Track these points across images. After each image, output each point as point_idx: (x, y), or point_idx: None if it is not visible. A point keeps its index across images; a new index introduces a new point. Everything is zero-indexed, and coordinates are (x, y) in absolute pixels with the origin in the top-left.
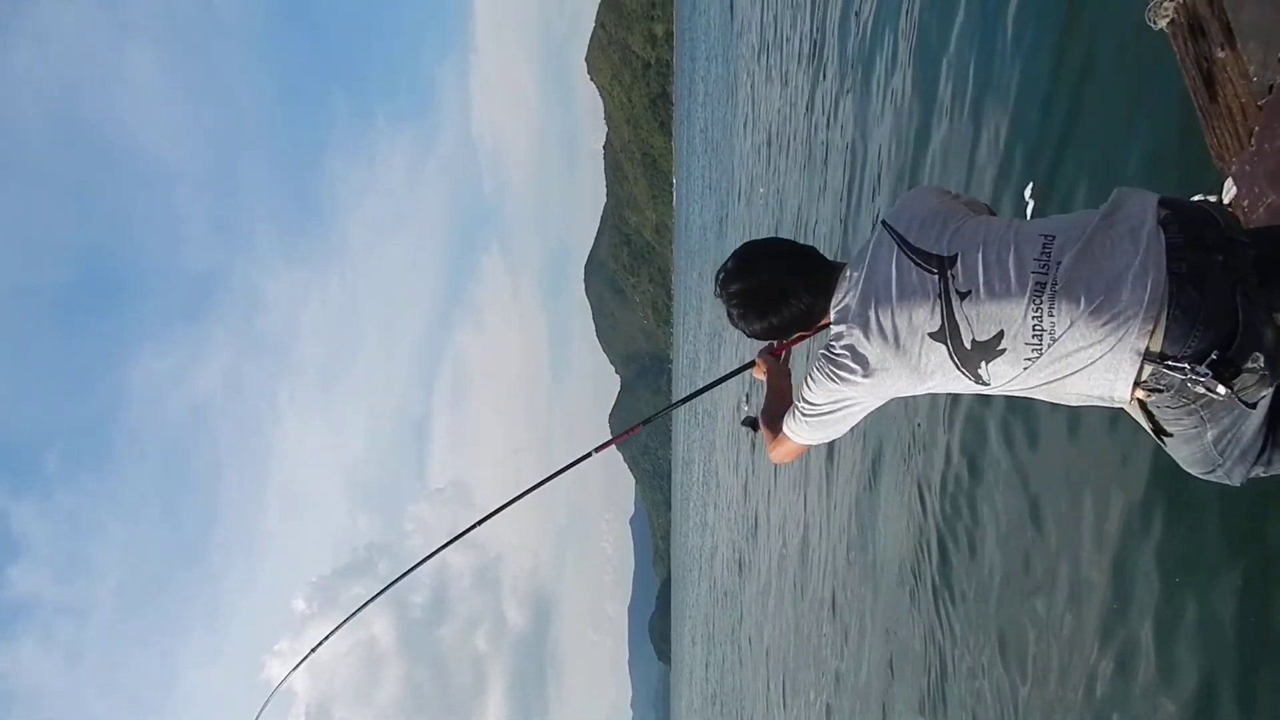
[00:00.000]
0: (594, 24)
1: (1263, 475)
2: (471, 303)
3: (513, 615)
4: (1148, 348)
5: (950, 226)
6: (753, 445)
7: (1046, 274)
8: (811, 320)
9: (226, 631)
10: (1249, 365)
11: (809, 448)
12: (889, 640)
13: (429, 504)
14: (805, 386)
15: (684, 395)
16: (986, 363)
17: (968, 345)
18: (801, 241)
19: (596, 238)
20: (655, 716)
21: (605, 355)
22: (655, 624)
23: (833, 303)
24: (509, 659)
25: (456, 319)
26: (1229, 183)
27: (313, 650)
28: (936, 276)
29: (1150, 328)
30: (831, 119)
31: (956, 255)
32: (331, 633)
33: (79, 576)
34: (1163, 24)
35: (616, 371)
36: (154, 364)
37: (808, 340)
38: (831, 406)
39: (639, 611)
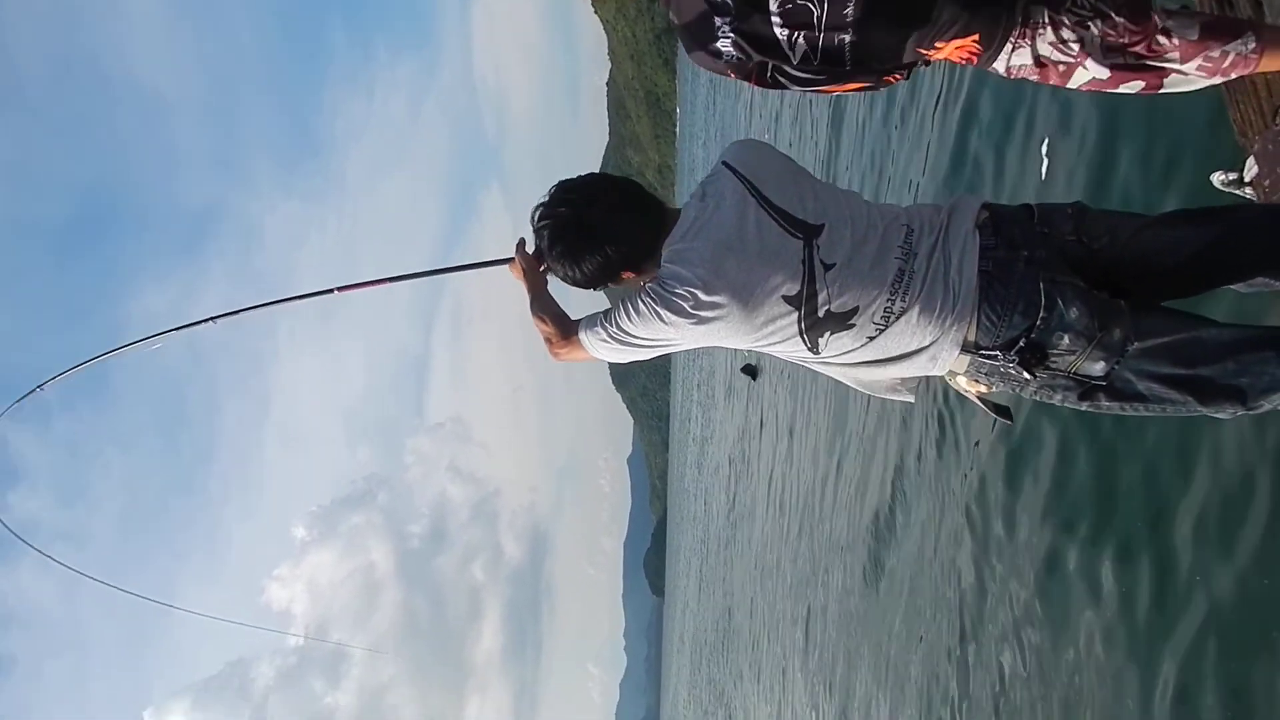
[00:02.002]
0: None
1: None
2: (471, 242)
3: (510, 548)
4: (965, 339)
5: (808, 191)
6: (748, 388)
7: (907, 263)
8: (639, 265)
9: (226, 557)
10: (1056, 347)
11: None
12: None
13: (428, 438)
14: (624, 314)
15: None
16: (832, 333)
17: (821, 314)
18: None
19: None
20: (648, 647)
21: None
22: (650, 560)
23: (668, 241)
24: (505, 590)
25: (456, 258)
26: (1250, 160)
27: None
28: (801, 243)
29: (968, 321)
30: None
31: (823, 225)
32: None
33: (78, 502)
34: None
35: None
36: (152, 297)
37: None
38: (649, 342)
39: (634, 547)
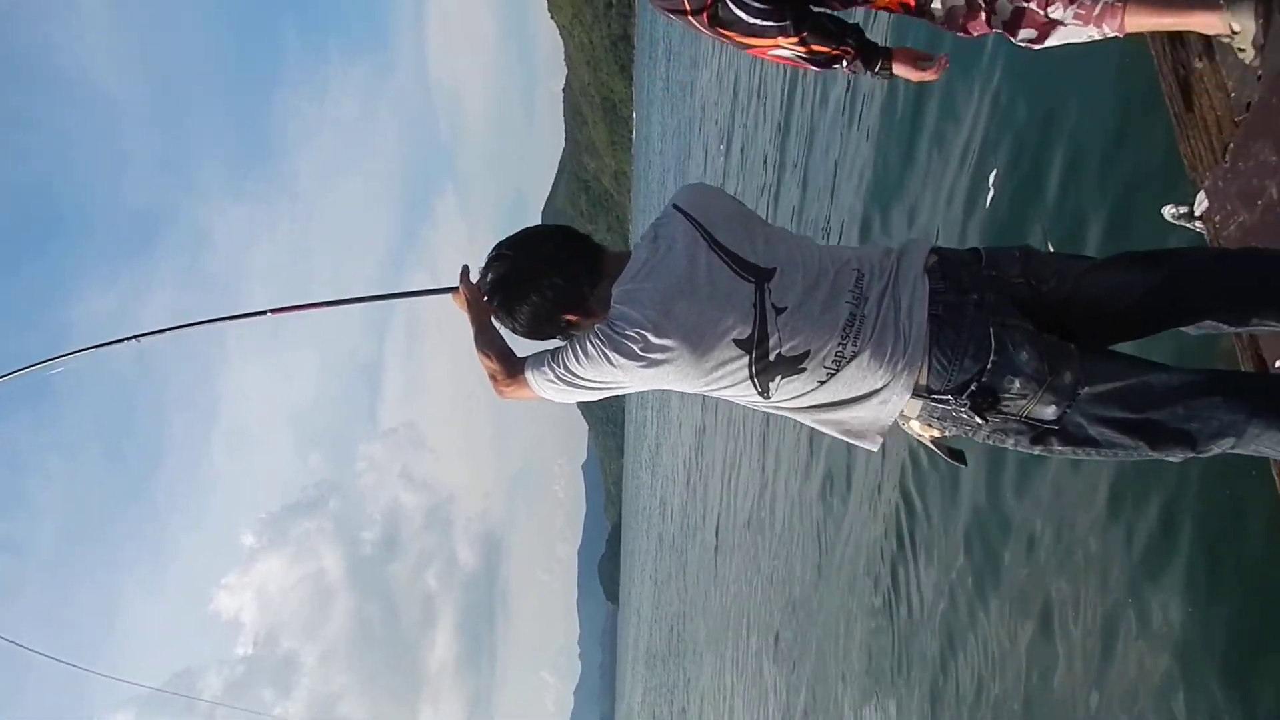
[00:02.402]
0: None
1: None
2: (426, 247)
3: (464, 555)
4: (916, 383)
5: (759, 235)
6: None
7: (858, 307)
8: (578, 306)
9: (172, 567)
10: (1007, 390)
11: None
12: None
13: (381, 444)
14: (572, 355)
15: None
16: (783, 377)
17: (772, 358)
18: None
19: (554, 184)
20: (602, 655)
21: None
22: (604, 566)
23: (618, 282)
24: (459, 596)
25: (410, 263)
26: (1201, 195)
27: None
28: (753, 286)
29: (919, 365)
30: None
31: (775, 269)
32: None
33: (18, 512)
34: None
35: None
36: (96, 302)
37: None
38: (596, 384)
39: (589, 553)
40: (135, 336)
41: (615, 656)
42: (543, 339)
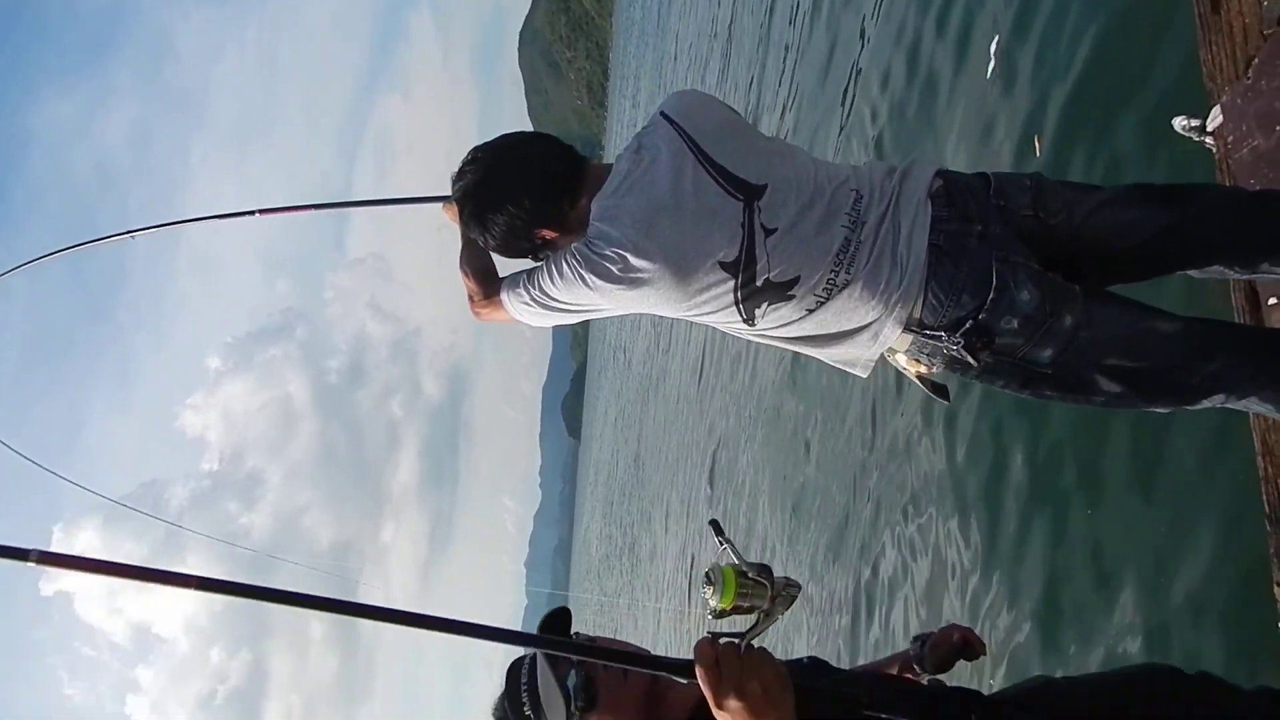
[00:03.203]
0: None
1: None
2: (399, 67)
3: (429, 386)
4: (909, 315)
5: (752, 148)
6: None
7: (853, 232)
8: (554, 221)
9: (138, 385)
10: (1004, 329)
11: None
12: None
13: (348, 273)
14: (547, 276)
15: None
16: (770, 304)
17: (759, 283)
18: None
19: (533, 2)
20: (563, 484)
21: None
22: (568, 404)
23: (597, 197)
24: (423, 425)
25: (382, 84)
26: (1216, 110)
27: None
28: (742, 205)
29: (914, 298)
30: None
31: (765, 186)
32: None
33: None
34: None
35: None
36: (55, 109)
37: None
38: (572, 306)
39: (553, 392)
40: (129, 232)
41: (575, 487)
42: (517, 256)
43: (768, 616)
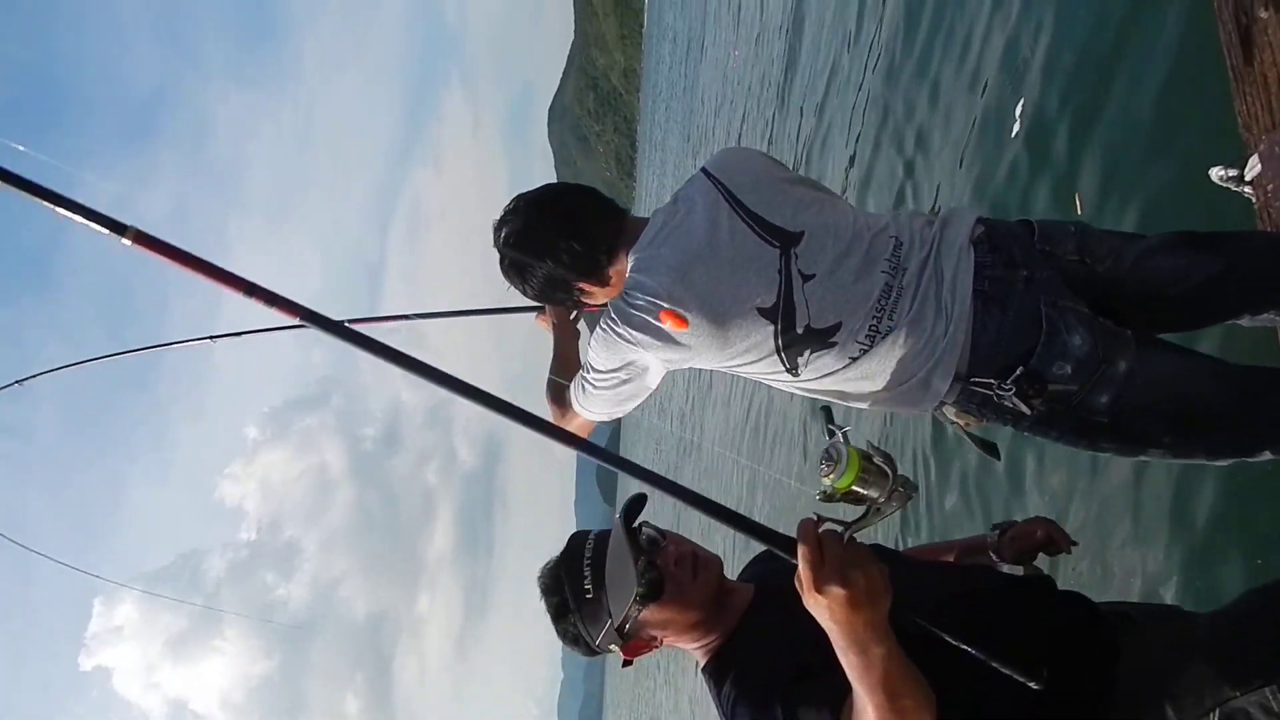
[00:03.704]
0: None
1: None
2: (430, 141)
3: (464, 453)
4: (957, 364)
5: (791, 197)
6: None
7: (894, 278)
8: (593, 274)
9: (176, 456)
10: (1056, 376)
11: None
12: None
13: (383, 340)
14: (591, 353)
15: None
16: (812, 352)
17: (799, 330)
18: (601, 192)
19: (562, 79)
20: None
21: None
22: (602, 469)
23: (634, 249)
24: (458, 492)
25: (414, 157)
26: (1254, 159)
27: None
28: (778, 251)
29: (961, 344)
30: None
31: (802, 233)
32: None
33: (21, 395)
34: None
35: None
36: (97, 188)
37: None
38: (623, 373)
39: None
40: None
41: None
42: (555, 304)
43: (878, 511)
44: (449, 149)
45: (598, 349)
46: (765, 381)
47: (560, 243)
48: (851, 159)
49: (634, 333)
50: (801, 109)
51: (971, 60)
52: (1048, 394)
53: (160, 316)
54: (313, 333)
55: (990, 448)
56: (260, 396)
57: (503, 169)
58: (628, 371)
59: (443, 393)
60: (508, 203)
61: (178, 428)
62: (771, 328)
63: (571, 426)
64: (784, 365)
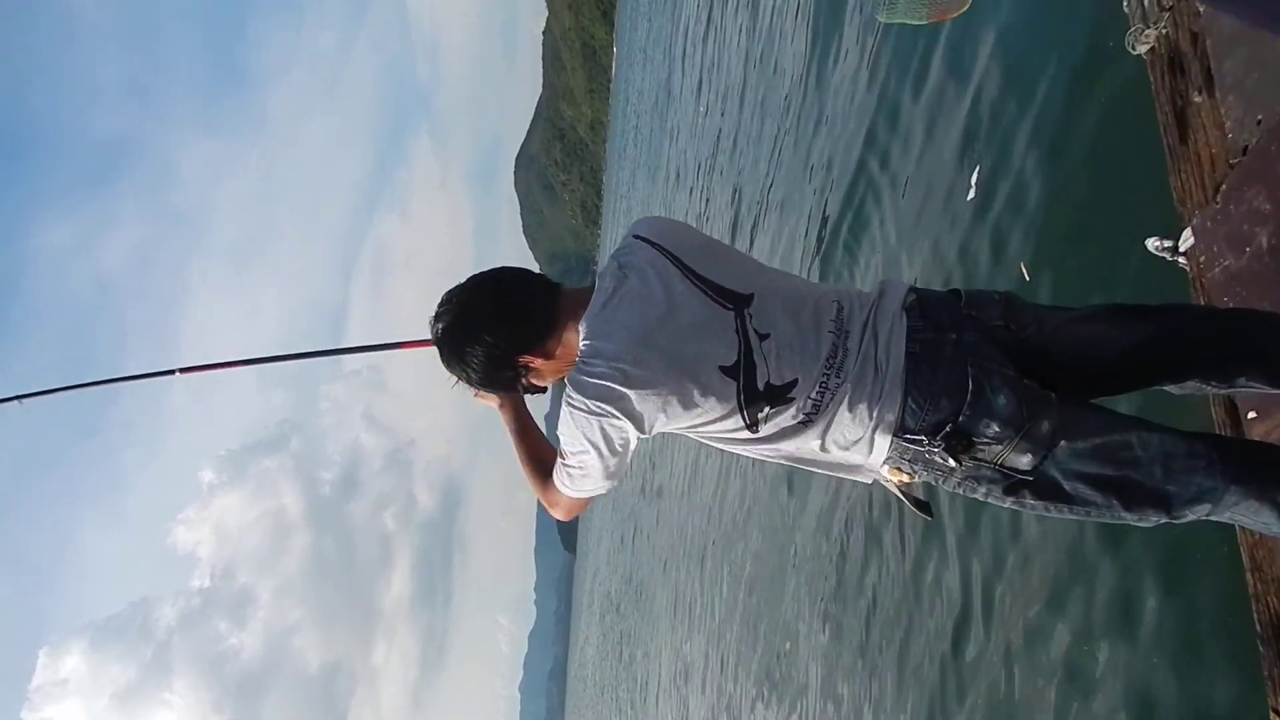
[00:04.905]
0: None
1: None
2: (397, 189)
3: (423, 498)
4: (893, 421)
5: (734, 263)
6: None
7: (838, 339)
8: (535, 346)
9: (129, 501)
10: (983, 434)
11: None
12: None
13: (343, 384)
14: (560, 435)
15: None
16: (771, 408)
17: (760, 386)
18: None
19: (529, 130)
20: (557, 602)
21: (530, 252)
22: None
23: (585, 319)
24: (416, 539)
25: (381, 204)
26: (1188, 232)
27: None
28: (733, 313)
29: (896, 404)
30: (787, 40)
31: (753, 295)
32: None
33: None
34: (1142, 50)
35: (540, 269)
36: (57, 231)
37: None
38: (603, 447)
39: None
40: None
41: (571, 604)
42: (506, 390)
43: None
44: (415, 195)
45: (567, 431)
46: (724, 445)
47: (494, 318)
48: (810, 221)
49: (599, 403)
50: (760, 168)
51: (936, 131)
52: (975, 451)
53: (119, 353)
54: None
55: (923, 506)
56: (217, 439)
57: (468, 215)
58: (606, 445)
59: (404, 437)
60: (440, 299)
61: (130, 472)
62: (734, 384)
63: (563, 508)
64: (745, 421)
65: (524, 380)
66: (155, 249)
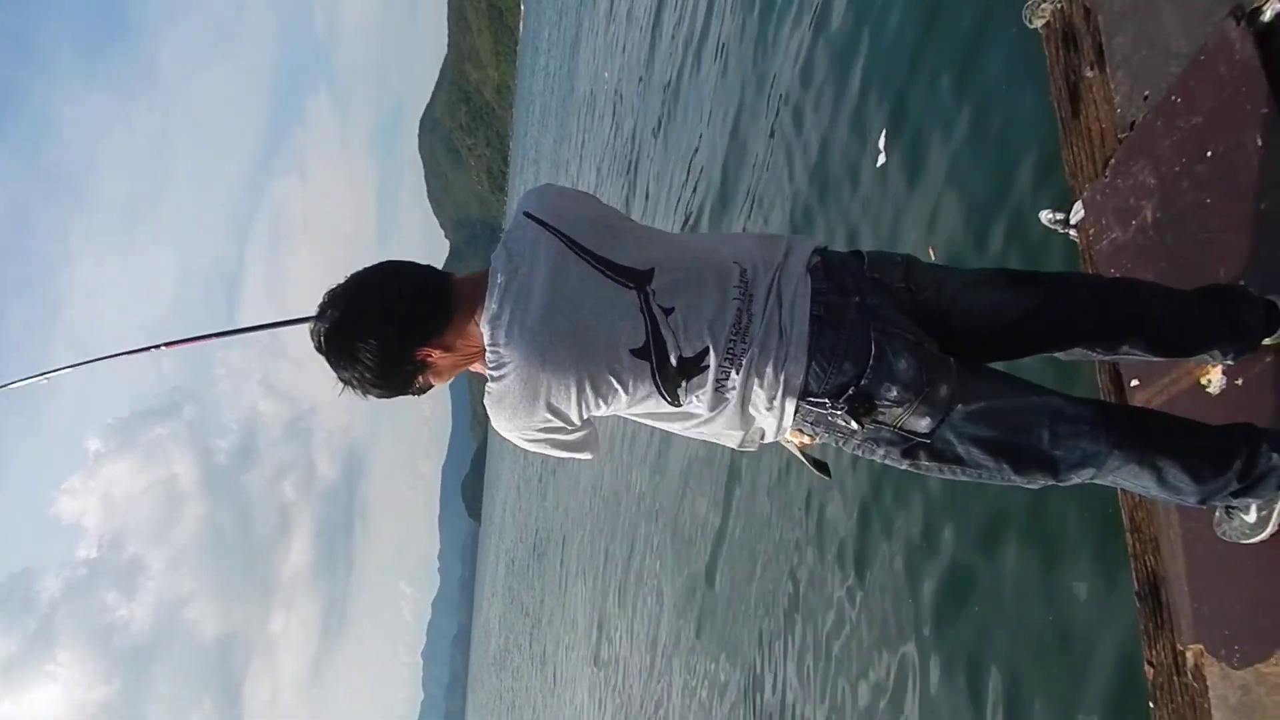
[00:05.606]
0: None
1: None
2: (295, 150)
3: (324, 467)
4: (798, 384)
5: (630, 236)
6: None
7: (744, 305)
8: (430, 336)
9: (8, 469)
10: (884, 397)
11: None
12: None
13: (240, 351)
14: (502, 434)
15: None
16: (687, 381)
17: (673, 362)
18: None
19: (434, 92)
20: (462, 569)
21: (435, 217)
22: (468, 484)
23: (483, 320)
24: (317, 508)
25: (278, 166)
26: (1078, 205)
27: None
28: (635, 292)
29: (801, 366)
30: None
31: (653, 270)
32: None
33: None
34: (1038, 24)
35: (446, 236)
36: None
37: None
38: (545, 445)
39: (452, 472)
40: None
41: (475, 571)
42: (403, 389)
43: None
44: (315, 156)
45: (514, 440)
46: (652, 421)
47: (383, 311)
48: (719, 183)
49: (524, 418)
50: (665, 133)
51: (846, 97)
52: (876, 414)
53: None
54: None
55: (822, 466)
56: (104, 408)
57: (371, 178)
58: (552, 445)
59: (305, 405)
60: (321, 299)
61: (8, 439)
62: (648, 365)
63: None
64: (668, 399)
65: (420, 377)
66: (34, 207)
